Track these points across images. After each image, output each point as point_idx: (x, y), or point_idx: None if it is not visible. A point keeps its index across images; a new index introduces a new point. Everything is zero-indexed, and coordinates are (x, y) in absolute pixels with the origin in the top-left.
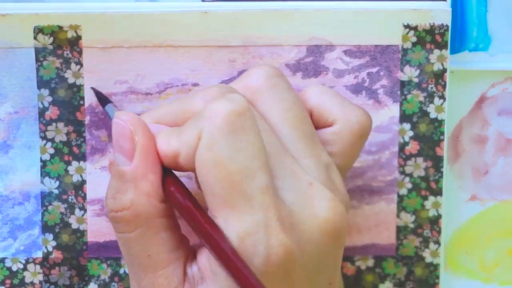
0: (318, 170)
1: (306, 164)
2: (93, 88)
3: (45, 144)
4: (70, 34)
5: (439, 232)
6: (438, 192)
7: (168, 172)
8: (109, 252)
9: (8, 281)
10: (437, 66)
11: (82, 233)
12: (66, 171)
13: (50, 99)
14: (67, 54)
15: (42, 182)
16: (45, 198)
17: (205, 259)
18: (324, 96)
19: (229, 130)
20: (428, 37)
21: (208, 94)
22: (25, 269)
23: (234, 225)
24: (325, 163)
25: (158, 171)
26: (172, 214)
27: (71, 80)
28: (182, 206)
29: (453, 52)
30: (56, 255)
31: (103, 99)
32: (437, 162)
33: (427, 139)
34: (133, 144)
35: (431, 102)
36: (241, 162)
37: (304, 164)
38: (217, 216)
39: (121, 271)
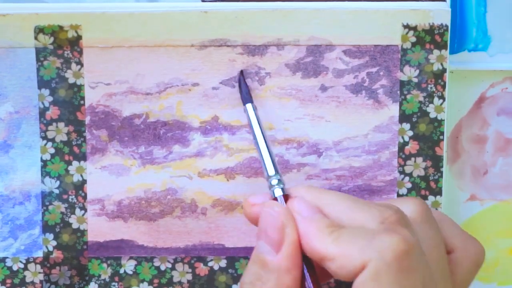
0: None
1: None
2: (242, 74)
3: (45, 144)
4: (71, 34)
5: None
6: (437, 192)
7: (308, 266)
8: (109, 251)
9: (8, 281)
10: (436, 66)
11: (83, 232)
12: (67, 170)
13: (50, 99)
14: (67, 54)
15: (42, 181)
16: (45, 198)
17: None
18: (445, 225)
19: (398, 269)
20: (427, 37)
21: (385, 217)
22: (25, 268)
23: None
24: None
25: (301, 266)
26: None
27: (71, 80)
28: None
29: (452, 52)
30: (57, 254)
31: (246, 97)
32: (437, 162)
33: (426, 139)
34: (282, 237)
35: (431, 102)
36: None
37: None
38: None
39: (121, 270)
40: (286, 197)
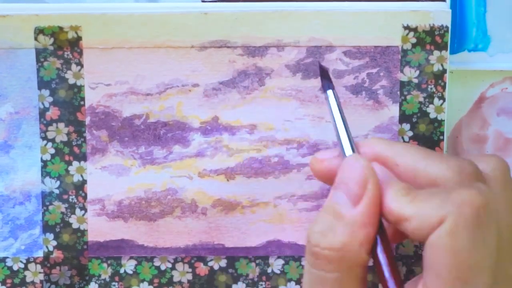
0: None
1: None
2: (320, 65)
3: (45, 144)
4: (71, 35)
5: None
6: None
7: (381, 228)
8: (109, 251)
9: (9, 281)
10: (436, 67)
11: (83, 232)
12: (67, 171)
13: (50, 99)
14: (67, 54)
15: (42, 182)
16: (45, 198)
17: None
18: None
19: (476, 223)
20: (428, 38)
21: (462, 168)
22: (26, 268)
23: None
24: None
25: (376, 224)
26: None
27: (71, 81)
28: (381, 272)
29: (452, 52)
30: (57, 254)
31: (326, 82)
32: None
33: (426, 139)
34: (363, 191)
35: (431, 102)
36: (478, 258)
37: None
38: None
39: (121, 270)
40: None
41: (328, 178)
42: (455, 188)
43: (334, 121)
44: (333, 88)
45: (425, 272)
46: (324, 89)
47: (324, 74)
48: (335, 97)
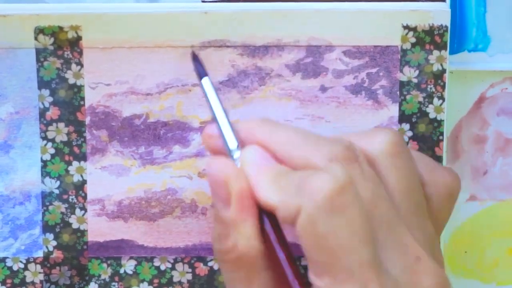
0: (426, 242)
1: (415, 236)
2: (194, 54)
3: (45, 144)
4: (71, 34)
5: None
6: None
7: (265, 212)
8: (109, 252)
9: (9, 281)
10: (436, 67)
11: (83, 233)
12: (67, 171)
13: (50, 99)
14: (67, 54)
15: (42, 182)
16: (45, 198)
17: None
18: (417, 161)
19: (329, 208)
20: (427, 38)
21: (333, 153)
22: (25, 268)
23: None
24: (430, 234)
25: (255, 213)
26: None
27: (71, 81)
28: (276, 252)
29: (452, 52)
30: (57, 254)
31: (201, 71)
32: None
33: (426, 139)
34: (228, 192)
35: (430, 102)
36: (341, 239)
37: (413, 236)
38: (317, 279)
39: (121, 270)
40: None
41: (217, 152)
42: (309, 175)
43: (212, 110)
44: (207, 75)
45: (305, 254)
46: (199, 77)
47: (197, 62)
48: (211, 84)
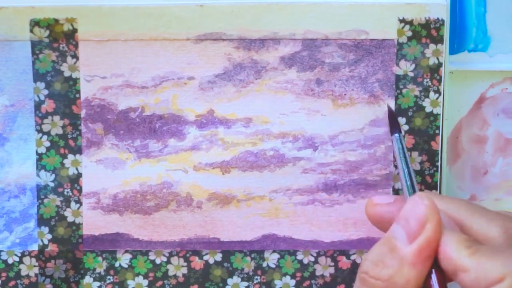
0: None
1: None
2: (390, 109)
3: (41, 137)
4: (66, 27)
5: None
6: (433, 186)
7: (436, 267)
8: (104, 245)
9: (3, 274)
10: (432, 61)
11: (78, 226)
12: (62, 164)
13: (46, 92)
14: (63, 47)
15: (38, 175)
16: (40, 191)
17: None
18: None
19: None
20: (423, 32)
21: (507, 228)
22: (20, 262)
23: None
24: None
25: (427, 266)
26: None
27: (67, 73)
28: None
29: (452, 52)
30: (52, 248)
31: (395, 126)
32: (432, 156)
33: (422, 133)
34: (421, 229)
35: (427, 96)
36: None
37: None
38: None
39: (117, 264)
40: None
41: (379, 222)
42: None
43: (401, 165)
44: (399, 132)
45: None
46: (391, 132)
47: (392, 117)
48: (401, 141)
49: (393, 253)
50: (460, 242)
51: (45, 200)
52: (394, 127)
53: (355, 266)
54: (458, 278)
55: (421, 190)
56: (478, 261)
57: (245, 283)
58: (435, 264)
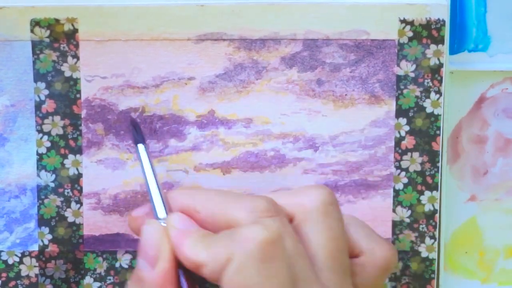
0: None
1: None
2: (131, 119)
3: (41, 137)
4: (67, 27)
5: (435, 227)
6: (434, 187)
7: (183, 270)
8: (105, 245)
9: (4, 274)
10: (433, 61)
11: (78, 226)
12: (62, 164)
13: (46, 92)
14: (63, 47)
15: (38, 175)
16: (41, 191)
17: None
18: (353, 228)
19: (260, 258)
20: (424, 32)
21: (254, 207)
22: (21, 262)
23: None
24: None
25: (176, 282)
26: None
27: (67, 73)
28: None
29: (452, 52)
30: (52, 248)
31: (138, 136)
32: (433, 157)
33: (423, 134)
34: (157, 254)
35: (427, 97)
36: None
37: None
38: None
39: (117, 264)
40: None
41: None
42: (241, 227)
43: (146, 178)
44: (144, 142)
45: None
46: (134, 142)
47: (135, 127)
48: (146, 152)
49: (141, 283)
50: (195, 238)
51: (46, 201)
52: (137, 136)
53: None
54: (202, 274)
55: (421, 190)
56: (209, 250)
57: None
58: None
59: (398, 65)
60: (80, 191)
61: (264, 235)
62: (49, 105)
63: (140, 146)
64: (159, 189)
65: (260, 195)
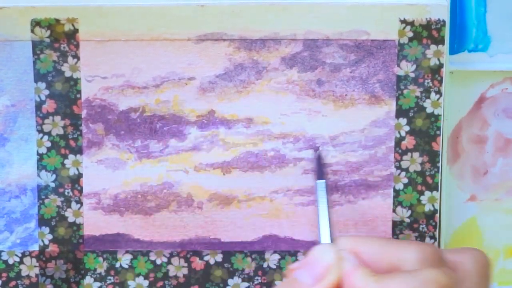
0: None
1: None
2: (319, 154)
3: (41, 138)
4: (67, 27)
5: (435, 227)
6: (434, 187)
7: None
8: (105, 245)
9: (4, 274)
10: (433, 61)
11: (78, 226)
12: (63, 164)
13: (47, 92)
14: (64, 47)
15: (38, 175)
16: (41, 191)
17: None
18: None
19: None
20: (424, 32)
21: (423, 251)
22: (21, 262)
23: None
24: None
25: None
26: None
27: (68, 74)
28: None
29: (452, 52)
30: (52, 248)
31: (320, 173)
32: (433, 157)
33: (423, 134)
34: (324, 275)
35: (428, 97)
36: None
37: None
38: None
39: (117, 264)
40: None
41: None
42: (421, 268)
43: (318, 215)
44: (326, 179)
45: None
46: (317, 177)
47: (320, 162)
48: (325, 188)
49: None
50: (366, 273)
51: (46, 201)
52: (321, 172)
53: None
54: None
55: (421, 190)
56: (381, 285)
57: (246, 284)
58: None
59: (398, 65)
60: (81, 191)
61: (446, 280)
62: (49, 105)
63: (320, 183)
64: (330, 231)
65: (424, 243)
